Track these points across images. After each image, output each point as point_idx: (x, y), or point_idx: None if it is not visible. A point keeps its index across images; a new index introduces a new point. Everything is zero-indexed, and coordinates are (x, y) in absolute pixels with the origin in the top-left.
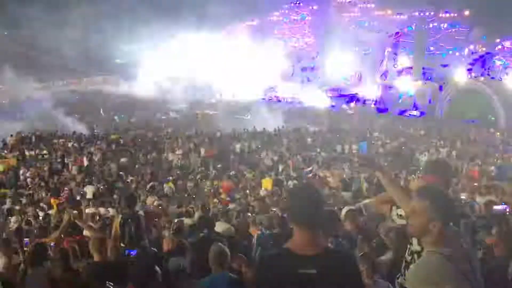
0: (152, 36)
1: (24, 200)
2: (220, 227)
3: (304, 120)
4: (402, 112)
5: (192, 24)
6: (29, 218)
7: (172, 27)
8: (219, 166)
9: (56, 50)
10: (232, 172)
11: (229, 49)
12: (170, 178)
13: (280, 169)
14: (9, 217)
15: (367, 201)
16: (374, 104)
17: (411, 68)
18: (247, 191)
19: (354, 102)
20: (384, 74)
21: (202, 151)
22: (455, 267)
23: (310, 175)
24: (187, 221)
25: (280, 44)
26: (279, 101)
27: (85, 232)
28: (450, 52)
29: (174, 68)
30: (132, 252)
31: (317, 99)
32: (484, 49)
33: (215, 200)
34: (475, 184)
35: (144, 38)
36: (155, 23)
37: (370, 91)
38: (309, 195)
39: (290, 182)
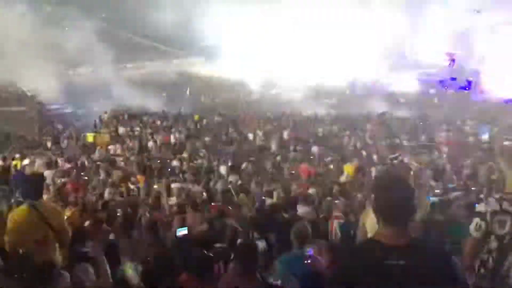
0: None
1: (116, 174)
2: (301, 210)
3: (389, 105)
4: (507, 101)
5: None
6: (122, 191)
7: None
8: (300, 148)
9: (146, 32)
10: (313, 156)
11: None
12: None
13: (364, 155)
14: (105, 189)
15: (458, 193)
16: (467, 89)
17: None
18: (328, 175)
19: (446, 87)
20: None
21: (285, 133)
22: None
23: (396, 162)
24: (268, 201)
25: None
26: (364, 84)
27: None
28: None
29: (256, 50)
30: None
31: (404, 82)
32: None
33: (295, 182)
34: None
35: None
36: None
37: (463, 75)
38: (399, 189)
39: (373, 169)
